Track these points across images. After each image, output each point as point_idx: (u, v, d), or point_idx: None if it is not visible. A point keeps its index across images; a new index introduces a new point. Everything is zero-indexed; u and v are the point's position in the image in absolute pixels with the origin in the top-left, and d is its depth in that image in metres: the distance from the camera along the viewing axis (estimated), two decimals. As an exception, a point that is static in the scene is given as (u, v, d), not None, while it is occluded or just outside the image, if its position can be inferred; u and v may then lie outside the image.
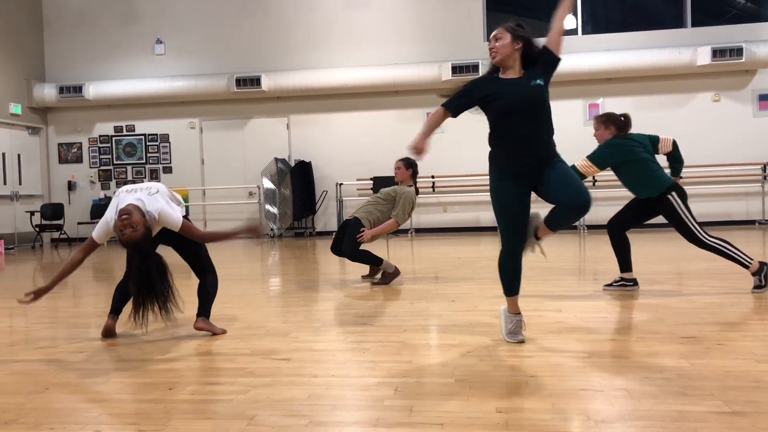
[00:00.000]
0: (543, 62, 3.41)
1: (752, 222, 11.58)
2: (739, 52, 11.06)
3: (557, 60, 3.44)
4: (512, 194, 3.39)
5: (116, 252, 10.72)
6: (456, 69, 11.67)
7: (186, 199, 13.16)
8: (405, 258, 8.11)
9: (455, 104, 3.53)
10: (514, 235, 3.45)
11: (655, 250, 7.71)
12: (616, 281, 5.08)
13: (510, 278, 3.56)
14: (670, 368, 2.92)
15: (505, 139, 3.41)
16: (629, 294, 4.90)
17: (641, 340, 3.49)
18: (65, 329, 4.32)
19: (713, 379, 2.74)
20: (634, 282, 5.02)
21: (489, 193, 3.51)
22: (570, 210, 3.31)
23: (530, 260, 7.36)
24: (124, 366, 3.30)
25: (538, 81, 3.36)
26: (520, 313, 3.56)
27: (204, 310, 4.01)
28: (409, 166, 6.03)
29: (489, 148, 3.53)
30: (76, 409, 2.66)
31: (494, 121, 3.45)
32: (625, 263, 5.04)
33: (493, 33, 3.43)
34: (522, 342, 3.45)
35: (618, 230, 5.10)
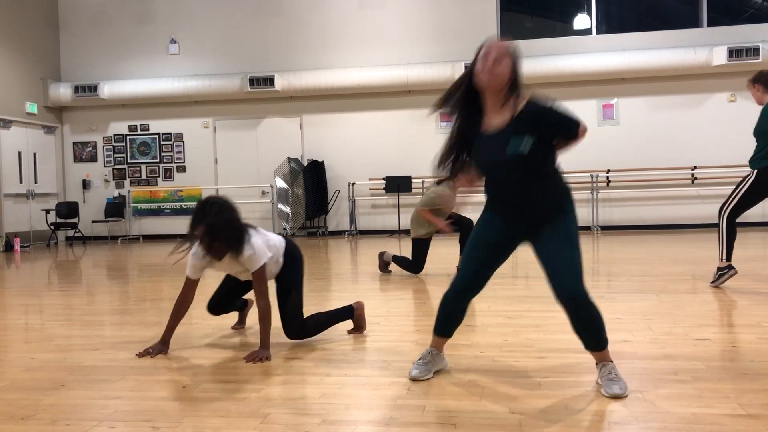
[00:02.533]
0: (537, 121, 2.60)
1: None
2: (755, 51, 10.95)
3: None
4: (495, 227, 2.78)
5: (129, 250, 10.79)
6: (469, 69, 11.64)
7: (199, 198, 13.21)
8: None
9: (443, 161, 2.81)
10: (468, 271, 2.81)
11: (670, 251, 7.66)
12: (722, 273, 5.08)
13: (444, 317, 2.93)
14: (685, 370, 2.90)
15: (493, 192, 2.78)
16: (643, 295, 4.87)
17: (655, 341, 3.46)
18: (80, 327, 4.36)
19: (728, 382, 2.72)
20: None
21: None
22: (565, 307, 2.64)
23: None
24: (138, 363, 3.33)
25: (525, 140, 2.57)
26: (437, 349, 2.99)
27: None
28: None
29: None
30: (92, 405, 2.68)
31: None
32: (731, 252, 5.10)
33: (491, 50, 2.64)
34: (415, 379, 2.87)
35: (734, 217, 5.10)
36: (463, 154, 2.77)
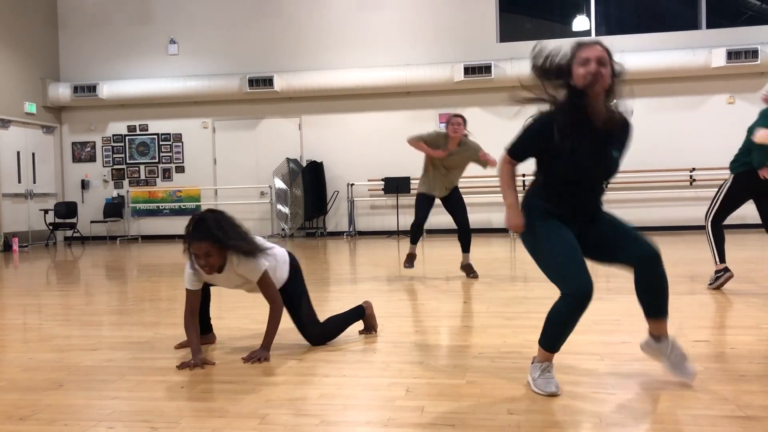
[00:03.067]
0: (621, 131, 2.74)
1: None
2: (754, 53, 10.97)
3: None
4: (561, 228, 2.73)
5: (128, 251, 10.78)
6: (468, 70, 11.65)
7: (198, 199, 13.23)
8: (417, 258, 8.09)
9: (528, 147, 2.84)
10: (576, 272, 2.66)
11: (668, 253, 7.65)
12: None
13: (559, 333, 2.74)
14: (684, 372, 2.90)
15: (558, 197, 2.77)
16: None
17: (654, 343, 3.46)
18: (78, 327, 4.35)
19: (727, 383, 2.72)
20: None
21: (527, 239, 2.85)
22: (646, 267, 2.69)
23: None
24: (136, 364, 3.32)
25: (618, 154, 2.73)
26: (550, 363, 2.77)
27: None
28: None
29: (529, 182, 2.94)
30: (90, 406, 2.68)
31: (553, 174, 2.77)
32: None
33: (593, 52, 2.65)
34: (554, 395, 2.64)
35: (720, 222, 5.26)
36: (540, 148, 2.77)
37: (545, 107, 2.78)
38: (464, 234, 6.14)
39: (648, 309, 2.78)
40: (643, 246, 2.67)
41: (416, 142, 6.13)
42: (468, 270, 6.18)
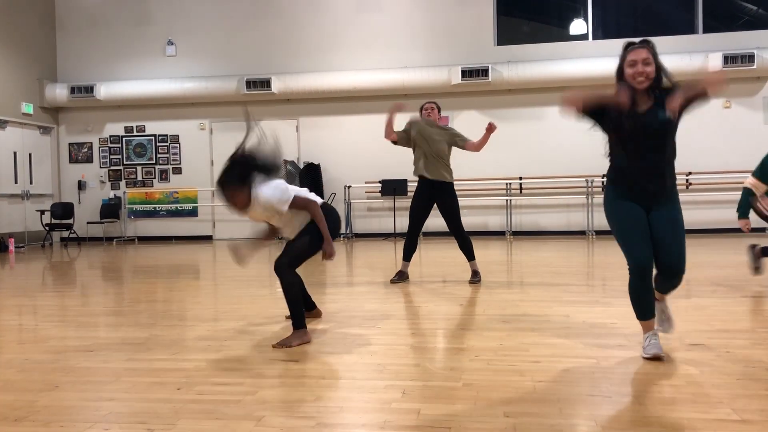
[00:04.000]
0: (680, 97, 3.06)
1: (762, 230, 11.51)
2: (750, 58, 11.01)
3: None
4: (634, 209, 3.19)
5: (124, 252, 10.77)
6: (466, 73, 11.67)
7: (195, 200, 13.22)
8: (413, 261, 8.11)
9: (592, 106, 3.21)
10: (634, 248, 3.13)
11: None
12: None
13: (637, 303, 3.23)
14: (679, 375, 2.91)
15: (624, 164, 3.22)
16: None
17: (650, 346, 3.47)
18: (74, 328, 4.35)
19: (722, 387, 2.73)
20: None
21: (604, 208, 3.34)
22: (667, 275, 3.23)
23: (538, 265, 7.35)
24: (132, 365, 3.32)
25: (666, 115, 3.10)
26: (653, 331, 3.28)
27: (293, 322, 3.78)
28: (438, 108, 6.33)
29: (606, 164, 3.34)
30: (86, 407, 2.68)
31: (616, 143, 3.25)
32: None
33: (640, 54, 3.14)
34: (657, 357, 3.16)
35: None
36: (600, 116, 3.23)
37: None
38: (459, 241, 6.07)
39: (658, 288, 3.40)
40: (672, 258, 3.16)
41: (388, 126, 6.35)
42: (473, 275, 6.09)
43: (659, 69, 3.16)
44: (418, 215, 6.06)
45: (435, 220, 6.63)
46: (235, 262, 3.76)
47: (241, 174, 3.57)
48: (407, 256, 6.15)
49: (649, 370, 3.02)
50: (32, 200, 12.90)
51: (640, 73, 3.10)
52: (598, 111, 3.21)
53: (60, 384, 3.01)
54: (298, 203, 3.73)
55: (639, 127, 3.12)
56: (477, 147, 6.05)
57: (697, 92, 3.02)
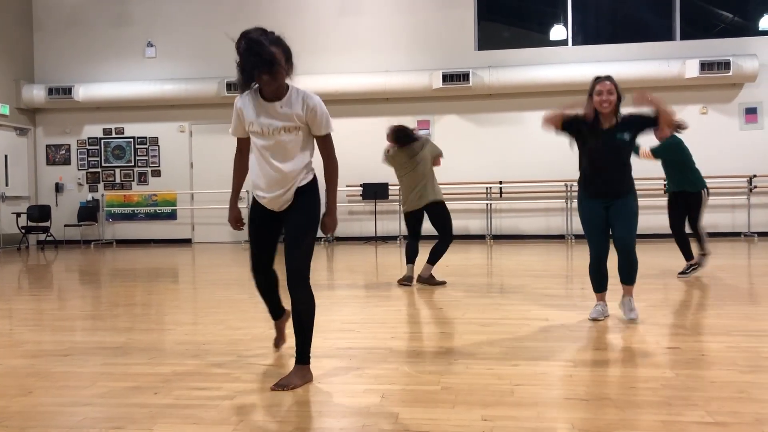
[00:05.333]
0: (637, 123, 4.18)
1: (738, 234, 11.69)
2: (726, 65, 11.17)
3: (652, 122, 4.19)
4: (595, 209, 4.26)
5: (102, 255, 10.66)
6: (447, 77, 11.71)
7: (174, 203, 13.12)
8: (395, 265, 8.12)
9: (567, 123, 4.24)
10: (600, 243, 4.29)
11: (643, 260, 7.74)
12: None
13: (596, 279, 4.39)
14: (655, 378, 2.94)
15: (590, 171, 4.26)
16: (617, 304, 4.93)
17: (626, 350, 3.51)
18: (50, 332, 4.29)
19: (697, 390, 2.77)
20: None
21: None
22: (621, 254, 4.25)
23: (518, 269, 7.38)
24: (109, 369, 3.28)
25: (624, 136, 4.15)
26: (602, 302, 4.39)
27: (301, 354, 3.01)
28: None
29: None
30: (60, 412, 2.64)
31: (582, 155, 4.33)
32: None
33: (606, 86, 4.12)
34: (596, 320, 4.25)
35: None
36: (574, 131, 4.26)
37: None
38: (449, 241, 6.13)
39: (620, 277, 4.32)
40: (624, 233, 4.17)
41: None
42: (409, 280, 6.12)
43: (619, 98, 4.17)
44: (412, 225, 6.21)
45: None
46: (236, 226, 3.27)
47: (289, 49, 3.03)
48: (408, 259, 6.23)
49: (626, 373, 3.05)
50: (8, 202, 12.72)
51: (605, 101, 4.10)
52: (573, 127, 4.21)
53: (34, 389, 2.97)
54: (329, 144, 3.08)
55: (601, 141, 4.13)
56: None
57: (650, 121, 4.15)
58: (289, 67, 3.00)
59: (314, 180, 3.12)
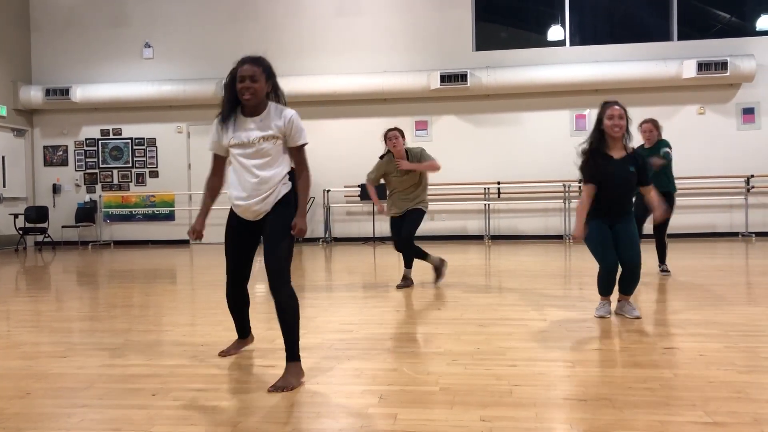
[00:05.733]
0: (641, 162, 4.36)
1: (735, 234, 11.70)
2: (723, 65, 11.19)
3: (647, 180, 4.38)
4: (603, 226, 4.39)
5: (100, 256, 10.64)
6: (445, 78, 11.71)
7: (172, 204, 13.11)
8: (392, 266, 8.12)
9: (591, 175, 4.34)
10: (611, 255, 4.37)
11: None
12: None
13: (602, 286, 4.50)
14: (653, 378, 2.94)
15: (601, 200, 4.35)
16: (613, 305, 4.93)
17: (625, 350, 3.51)
18: (48, 333, 4.28)
19: (695, 390, 2.77)
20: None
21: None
22: (626, 269, 4.37)
23: (516, 269, 7.38)
24: (107, 371, 3.28)
25: (632, 168, 4.29)
26: (608, 301, 4.52)
27: (291, 352, 3.07)
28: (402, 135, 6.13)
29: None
30: (58, 414, 2.64)
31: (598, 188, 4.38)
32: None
33: (618, 110, 4.23)
34: (602, 317, 4.39)
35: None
36: (597, 168, 4.33)
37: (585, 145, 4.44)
38: (411, 249, 6.08)
39: (621, 288, 4.45)
40: (634, 255, 4.32)
41: (369, 186, 6.27)
42: (404, 280, 6.14)
43: (628, 123, 4.29)
44: (398, 228, 6.17)
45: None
46: (193, 237, 3.31)
47: (270, 68, 3.28)
48: (406, 263, 6.24)
49: (624, 373, 3.05)
50: (6, 204, 12.70)
51: (616, 125, 4.22)
52: (597, 172, 4.30)
53: (32, 390, 2.96)
54: (303, 157, 3.23)
55: (615, 169, 4.27)
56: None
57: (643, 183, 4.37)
58: (269, 85, 3.25)
59: (290, 191, 3.23)
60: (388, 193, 6.30)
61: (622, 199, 4.35)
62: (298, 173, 3.23)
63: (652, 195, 4.37)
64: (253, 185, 3.13)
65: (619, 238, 4.32)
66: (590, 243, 4.39)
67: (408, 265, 6.21)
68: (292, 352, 3.05)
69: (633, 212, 4.45)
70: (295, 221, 3.11)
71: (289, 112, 3.25)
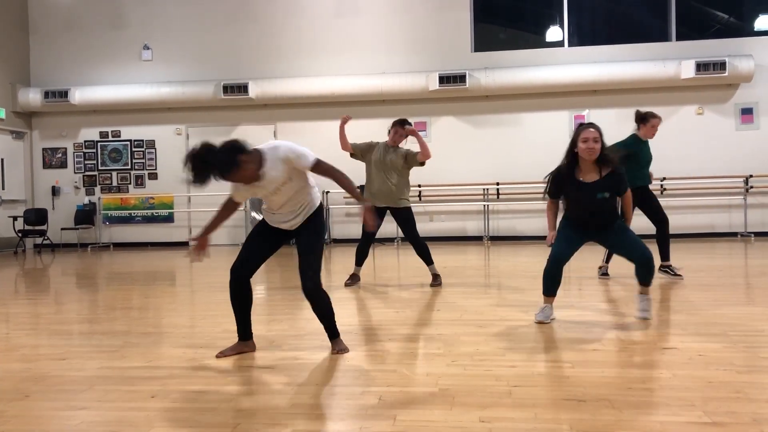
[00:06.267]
0: (615, 184, 4.22)
1: (734, 234, 11.70)
2: (722, 66, 11.20)
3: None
4: (572, 230, 4.37)
5: (99, 258, 10.64)
6: (443, 79, 11.71)
7: (171, 206, 13.10)
8: (391, 266, 8.12)
9: (552, 192, 4.37)
10: (562, 248, 4.33)
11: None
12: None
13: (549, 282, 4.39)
14: (652, 378, 2.95)
15: (575, 215, 4.34)
16: (611, 305, 4.93)
17: (624, 350, 3.51)
18: (47, 336, 4.28)
19: (695, 390, 2.77)
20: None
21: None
22: (640, 265, 4.26)
23: (515, 270, 7.37)
24: (106, 373, 3.28)
25: (605, 194, 4.17)
26: (550, 305, 4.38)
27: (332, 332, 3.64)
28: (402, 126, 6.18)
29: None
30: (57, 416, 2.64)
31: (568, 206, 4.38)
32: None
33: (592, 133, 4.09)
34: (541, 323, 4.24)
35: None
36: (560, 190, 4.32)
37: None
38: (417, 249, 6.13)
39: (639, 279, 4.36)
40: (641, 251, 4.22)
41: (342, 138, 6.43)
42: (434, 279, 6.19)
43: (603, 146, 4.13)
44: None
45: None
46: (194, 258, 3.47)
47: (236, 147, 3.11)
48: (358, 261, 6.34)
49: (624, 374, 3.05)
50: (5, 206, 12.69)
51: (590, 148, 4.07)
52: (559, 193, 4.33)
53: (31, 393, 2.96)
54: (323, 167, 3.33)
55: (583, 194, 4.18)
56: (424, 154, 6.08)
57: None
58: (244, 158, 3.13)
59: (320, 206, 3.60)
60: (366, 179, 6.36)
61: (596, 219, 4.27)
62: (333, 179, 3.41)
63: (627, 202, 4.36)
64: (284, 213, 3.50)
65: (614, 245, 4.33)
66: (556, 236, 4.38)
67: (357, 262, 6.32)
68: (333, 332, 3.62)
69: (617, 220, 4.32)
70: (363, 215, 3.45)
71: (283, 152, 3.27)
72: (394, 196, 6.15)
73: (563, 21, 12.45)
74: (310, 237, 3.51)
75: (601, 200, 4.16)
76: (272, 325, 4.45)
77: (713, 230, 11.76)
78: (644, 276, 4.30)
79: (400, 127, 6.18)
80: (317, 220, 3.54)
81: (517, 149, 12.06)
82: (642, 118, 6.28)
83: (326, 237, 12.33)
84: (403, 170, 6.19)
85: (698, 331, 3.93)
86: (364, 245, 6.31)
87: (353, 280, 6.37)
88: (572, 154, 4.19)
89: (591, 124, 4.17)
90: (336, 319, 3.66)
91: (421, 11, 12.43)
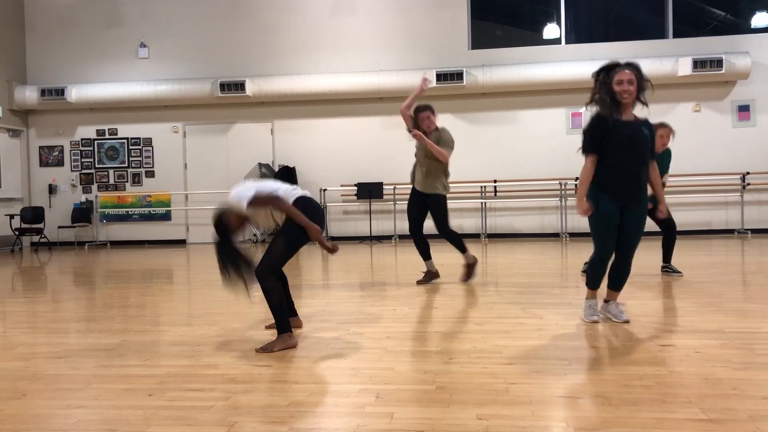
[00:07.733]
0: (650, 131, 4.01)
1: (731, 231, 11.73)
2: (719, 63, 11.21)
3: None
4: (612, 211, 3.99)
5: (96, 256, 10.62)
6: (440, 77, 11.70)
7: (168, 204, 13.09)
8: (388, 264, 8.12)
9: (593, 144, 3.95)
10: (604, 244, 4.07)
11: (635, 259, 7.76)
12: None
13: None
14: (649, 375, 2.95)
15: (611, 177, 3.95)
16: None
17: (620, 347, 3.52)
18: (44, 334, 4.27)
19: (691, 387, 2.77)
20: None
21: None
22: (619, 263, 4.14)
23: (512, 267, 7.38)
24: (103, 372, 3.27)
25: (645, 131, 3.94)
26: (595, 299, 4.28)
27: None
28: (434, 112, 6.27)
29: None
30: (54, 415, 2.63)
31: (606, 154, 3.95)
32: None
33: (627, 75, 3.84)
34: (595, 322, 4.14)
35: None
36: (601, 139, 3.92)
37: (594, 111, 3.99)
38: (447, 238, 6.18)
39: (610, 284, 4.21)
40: (631, 252, 4.09)
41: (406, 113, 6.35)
42: (468, 269, 6.26)
43: (640, 89, 3.86)
44: (412, 210, 6.30)
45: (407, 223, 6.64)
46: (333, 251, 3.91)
47: (221, 220, 3.72)
48: (423, 254, 6.29)
49: (620, 371, 3.05)
50: (1, 204, 12.66)
51: (625, 90, 3.82)
52: (599, 143, 3.91)
53: (28, 391, 2.96)
54: (260, 200, 3.63)
55: (627, 136, 3.85)
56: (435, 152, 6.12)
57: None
58: (236, 221, 3.71)
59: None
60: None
61: (637, 170, 3.89)
62: (274, 208, 3.73)
63: (655, 179, 4.11)
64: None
65: (626, 222, 3.97)
66: (594, 224, 4.01)
67: (423, 256, 6.27)
68: (278, 327, 3.70)
69: (645, 201, 4.02)
70: (312, 238, 3.72)
71: (230, 200, 3.67)
72: (425, 183, 6.18)
73: (560, 18, 12.45)
74: (280, 237, 3.75)
75: (644, 140, 3.86)
76: (269, 323, 4.45)
77: (710, 227, 11.78)
78: (620, 280, 4.15)
79: (417, 113, 6.21)
80: (292, 225, 3.70)
81: (514, 147, 12.07)
82: None
83: (324, 234, 12.33)
84: (433, 157, 6.18)
85: (695, 328, 3.94)
86: (415, 238, 6.24)
87: (427, 277, 6.25)
88: (608, 96, 3.89)
89: (627, 64, 3.90)
90: (311, 333, 3.86)
91: (418, 8, 12.42)
